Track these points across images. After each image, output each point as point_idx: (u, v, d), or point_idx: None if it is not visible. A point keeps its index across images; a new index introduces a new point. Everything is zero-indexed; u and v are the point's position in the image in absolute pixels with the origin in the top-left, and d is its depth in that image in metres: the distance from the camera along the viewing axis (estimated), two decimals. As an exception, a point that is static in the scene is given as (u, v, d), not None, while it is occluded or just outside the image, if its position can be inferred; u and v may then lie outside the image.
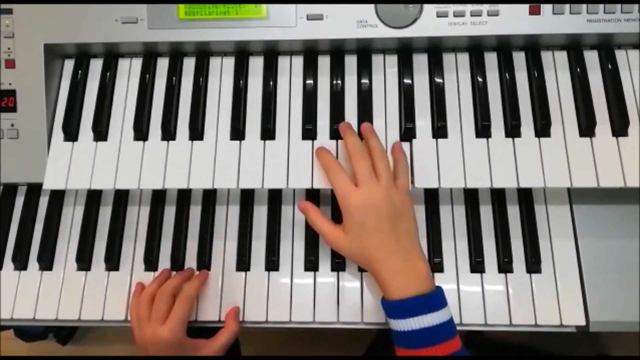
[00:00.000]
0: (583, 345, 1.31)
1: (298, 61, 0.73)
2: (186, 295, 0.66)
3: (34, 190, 0.75)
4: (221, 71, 0.73)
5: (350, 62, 0.73)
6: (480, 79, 0.70)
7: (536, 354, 0.87)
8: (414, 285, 0.58)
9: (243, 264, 0.70)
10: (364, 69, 0.71)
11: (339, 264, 0.69)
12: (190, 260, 0.71)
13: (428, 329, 0.55)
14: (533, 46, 0.71)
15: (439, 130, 0.68)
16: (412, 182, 0.66)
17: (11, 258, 0.72)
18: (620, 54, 0.70)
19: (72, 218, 0.74)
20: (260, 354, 1.38)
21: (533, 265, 0.67)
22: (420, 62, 0.72)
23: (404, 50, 0.72)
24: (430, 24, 0.68)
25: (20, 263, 0.72)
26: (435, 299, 0.58)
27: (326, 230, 0.64)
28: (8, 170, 0.71)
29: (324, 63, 0.73)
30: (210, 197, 0.73)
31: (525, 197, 0.71)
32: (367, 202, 0.60)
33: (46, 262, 0.72)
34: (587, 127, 0.66)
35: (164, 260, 0.71)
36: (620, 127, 0.66)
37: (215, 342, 0.67)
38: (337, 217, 0.68)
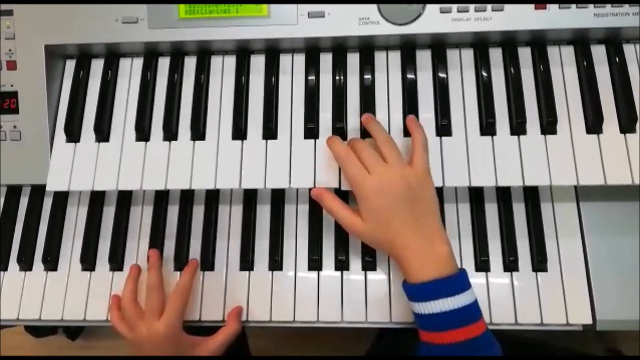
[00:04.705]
0: (592, 338, 1.30)
1: (300, 59, 0.72)
2: (180, 288, 0.66)
3: (38, 191, 0.75)
4: (222, 70, 0.73)
5: (353, 60, 0.72)
6: (485, 75, 0.69)
7: (547, 351, 0.87)
8: (436, 268, 0.57)
9: (246, 263, 0.70)
10: (367, 66, 0.71)
11: (342, 263, 0.68)
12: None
13: (450, 312, 0.55)
14: (539, 41, 0.70)
15: (443, 128, 0.67)
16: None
17: (16, 259, 0.73)
18: (628, 49, 0.69)
19: (76, 218, 0.74)
20: (266, 346, 1.39)
21: (539, 263, 0.66)
22: (424, 58, 0.71)
23: (407, 47, 0.71)
24: (433, 20, 0.67)
25: (25, 264, 0.72)
26: (457, 282, 0.57)
27: (344, 216, 0.62)
28: (11, 172, 0.71)
29: (326, 61, 0.72)
30: (213, 197, 0.73)
31: (531, 194, 0.70)
32: (380, 187, 0.59)
33: (51, 262, 0.72)
34: (594, 124, 0.65)
35: (168, 260, 0.71)
36: (628, 123, 0.65)
37: (214, 340, 0.67)
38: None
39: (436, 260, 0.57)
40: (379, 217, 0.59)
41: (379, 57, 0.72)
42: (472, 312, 0.56)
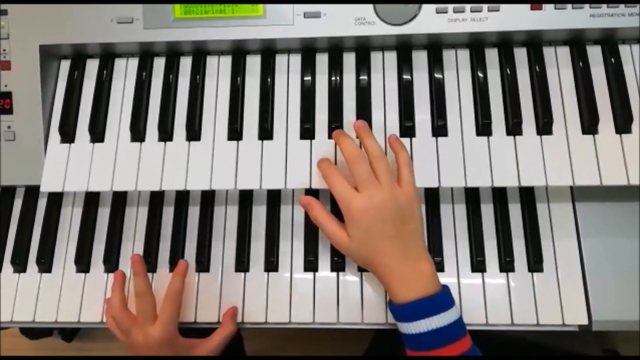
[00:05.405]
0: (589, 339, 1.30)
1: (296, 59, 0.72)
2: (172, 292, 0.65)
3: (32, 192, 0.75)
4: (218, 70, 0.72)
5: (349, 60, 0.72)
6: (481, 76, 0.69)
7: (544, 351, 0.87)
8: (420, 288, 0.56)
9: (242, 264, 0.69)
10: (363, 66, 0.70)
11: (338, 264, 0.68)
12: (189, 261, 0.70)
13: (436, 330, 0.55)
14: (535, 42, 0.70)
15: (439, 129, 0.67)
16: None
17: (10, 260, 0.72)
18: (623, 49, 0.69)
19: (70, 220, 0.74)
20: (263, 348, 1.38)
21: (535, 264, 0.66)
22: (420, 59, 0.71)
23: (403, 47, 0.71)
24: (429, 20, 0.67)
25: (20, 265, 0.72)
26: (441, 300, 0.57)
27: (331, 230, 0.62)
28: (5, 173, 0.71)
29: (322, 61, 0.72)
30: (208, 198, 0.73)
31: (527, 195, 0.70)
32: (369, 207, 0.58)
33: (45, 264, 0.71)
34: (589, 125, 0.65)
35: (163, 262, 0.71)
36: (623, 124, 0.65)
37: (210, 342, 0.66)
38: (337, 216, 0.67)
39: (420, 280, 0.57)
40: (365, 238, 0.59)
41: (375, 57, 0.72)
42: (457, 329, 0.56)
